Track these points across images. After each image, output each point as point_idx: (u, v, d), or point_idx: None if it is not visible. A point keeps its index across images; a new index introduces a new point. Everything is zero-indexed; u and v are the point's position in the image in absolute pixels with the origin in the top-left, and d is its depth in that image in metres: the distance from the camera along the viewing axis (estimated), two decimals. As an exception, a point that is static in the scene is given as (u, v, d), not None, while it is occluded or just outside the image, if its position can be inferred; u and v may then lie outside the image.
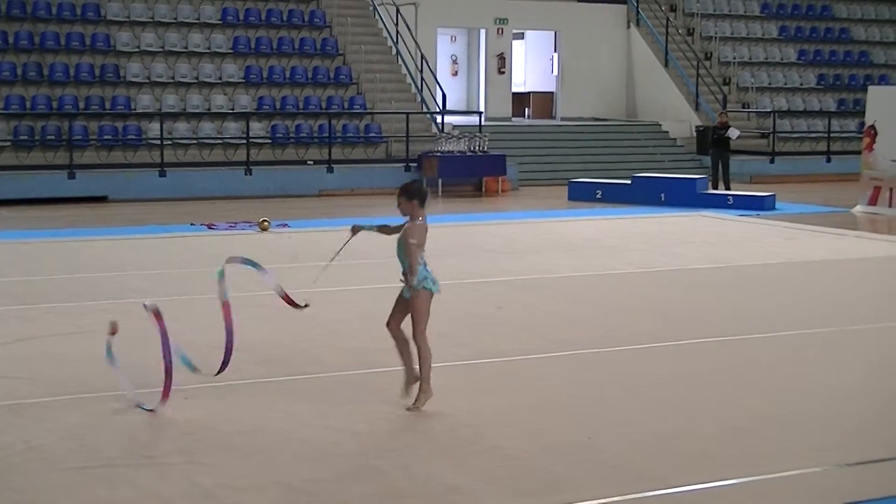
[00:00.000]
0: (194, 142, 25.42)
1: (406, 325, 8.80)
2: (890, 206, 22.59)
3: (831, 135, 32.00)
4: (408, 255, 8.63)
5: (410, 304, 8.69)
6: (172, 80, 26.42)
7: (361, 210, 22.30)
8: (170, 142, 24.91)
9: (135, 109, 25.43)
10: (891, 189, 22.64)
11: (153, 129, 24.93)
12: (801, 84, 34.57)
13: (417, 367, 8.72)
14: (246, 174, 24.81)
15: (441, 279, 14.25)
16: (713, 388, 9.42)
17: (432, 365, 8.72)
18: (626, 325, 11.61)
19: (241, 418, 8.42)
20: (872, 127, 23.25)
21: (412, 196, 8.90)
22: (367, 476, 7.23)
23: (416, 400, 8.68)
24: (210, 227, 19.11)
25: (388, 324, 8.86)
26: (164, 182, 24.05)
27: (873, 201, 22.96)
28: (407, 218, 8.96)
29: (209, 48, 27.39)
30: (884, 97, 24.01)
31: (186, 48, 27.16)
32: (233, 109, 26.23)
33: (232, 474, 7.24)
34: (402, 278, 8.75)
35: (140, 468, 7.34)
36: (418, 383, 8.70)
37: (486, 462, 7.52)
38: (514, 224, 20.24)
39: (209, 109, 26.08)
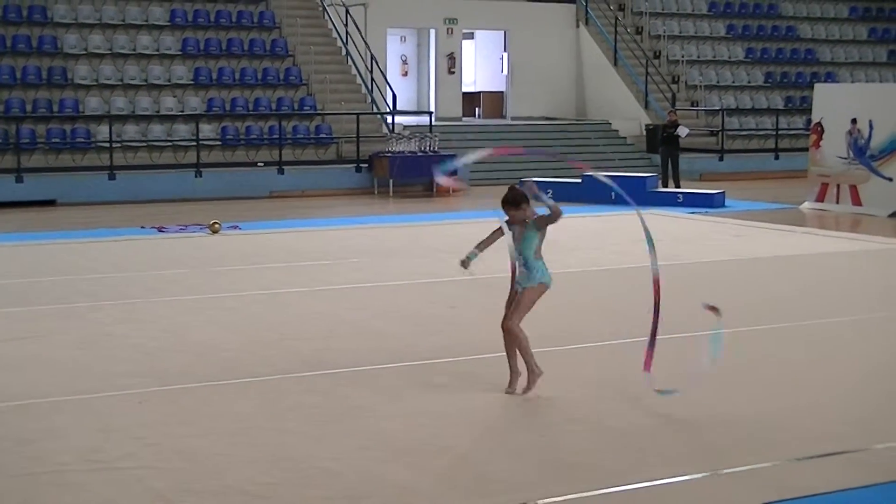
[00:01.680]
0: (144, 144, 25.28)
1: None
2: (837, 202, 22.80)
3: (779, 132, 32.27)
4: (551, 219, 9.04)
5: (523, 294, 9.08)
6: (121, 83, 26.26)
7: (313, 211, 22.27)
8: (119, 144, 24.77)
9: (83, 112, 25.26)
10: (838, 186, 22.86)
11: (102, 131, 24.77)
12: (749, 82, 34.83)
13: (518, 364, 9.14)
14: (196, 176, 24.70)
15: (393, 280, 14.38)
16: (664, 386, 9.48)
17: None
18: (578, 324, 11.66)
19: (194, 421, 8.39)
20: (819, 124, 23.46)
21: (518, 201, 9.20)
22: (322, 478, 7.22)
23: (527, 384, 9.07)
24: (160, 229, 19.02)
25: (503, 324, 9.18)
26: (113, 185, 23.90)
27: (821, 198, 23.17)
28: (504, 221, 9.28)
29: (158, 50, 27.25)
30: (830, 94, 24.23)
31: (135, 50, 27.01)
32: (182, 111, 26.11)
33: (185, 478, 7.21)
34: (519, 280, 9.18)
35: (92, 473, 7.30)
36: (520, 376, 9.13)
37: (443, 463, 7.53)
38: (465, 224, 20.25)
39: (158, 111, 25.95)
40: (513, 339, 9.12)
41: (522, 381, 9.18)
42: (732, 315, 12.22)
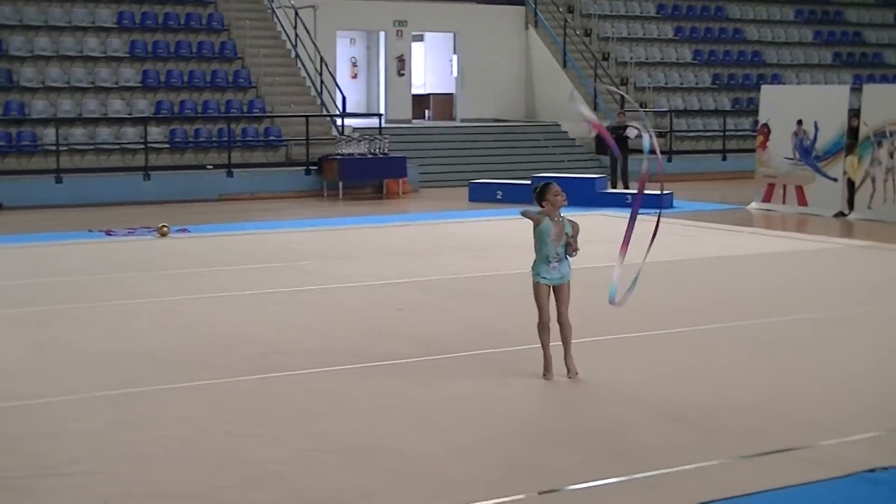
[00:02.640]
0: (91, 147, 25.11)
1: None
2: (783, 202, 22.99)
3: (726, 133, 32.50)
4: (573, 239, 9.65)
5: (561, 289, 9.62)
6: (68, 85, 26.08)
7: (262, 214, 22.21)
8: (66, 148, 24.59)
9: (29, 115, 25.07)
10: (784, 186, 23.06)
11: (49, 134, 24.58)
12: (697, 84, 35.04)
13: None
14: (144, 179, 24.57)
15: (342, 282, 14.37)
16: (619, 386, 9.54)
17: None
18: (527, 325, 11.64)
19: (142, 426, 8.35)
20: (766, 125, 23.64)
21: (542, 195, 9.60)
22: (272, 482, 7.21)
23: (568, 371, 9.66)
24: (108, 233, 18.90)
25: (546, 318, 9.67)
26: (60, 189, 23.73)
27: (768, 198, 23.36)
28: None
29: (105, 52, 27.07)
30: (776, 96, 24.42)
31: (82, 52, 26.82)
32: (130, 114, 25.96)
33: (132, 484, 7.18)
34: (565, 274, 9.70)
35: (38, 479, 7.25)
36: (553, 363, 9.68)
37: (391, 465, 7.54)
38: (414, 226, 20.28)
39: (106, 114, 25.79)
40: (569, 331, 9.67)
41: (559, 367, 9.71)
42: (680, 315, 12.33)
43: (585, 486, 7.15)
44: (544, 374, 9.67)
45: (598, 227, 19.60)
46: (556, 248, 9.55)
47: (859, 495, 7.00)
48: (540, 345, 9.73)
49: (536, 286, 9.61)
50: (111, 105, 26.00)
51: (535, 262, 9.62)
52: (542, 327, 9.66)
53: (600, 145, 30.23)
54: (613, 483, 7.20)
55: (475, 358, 10.43)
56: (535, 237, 9.59)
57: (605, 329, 11.47)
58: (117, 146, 25.31)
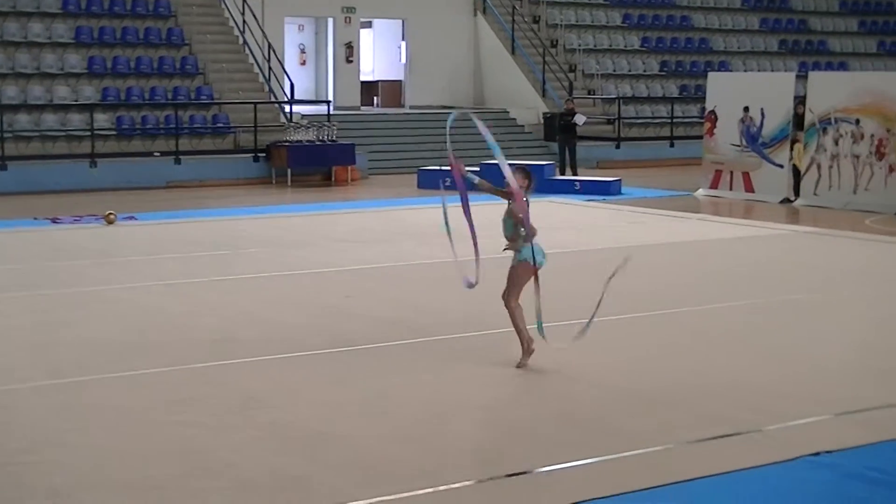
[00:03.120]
0: (37, 134, 24.85)
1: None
2: (730, 189, 23.14)
3: (674, 120, 32.65)
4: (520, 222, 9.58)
5: (513, 269, 9.64)
6: (12, 72, 25.79)
7: (210, 201, 22.10)
8: (10, 135, 24.32)
9: (-27, 102, 24.82)
10: (731, 173, 23.20)
11: (-7, 121, 24.34)
12: (645, 71, 35.17)
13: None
14: (91, 167, 24.37)
15: (291, 269, 14.32)
16: (568, 372, 9.58)
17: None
18: (477, 312, 11.65)
19: (92, 415, 8.30)
20: (713, 112, 23.78)
21: (525, 174, 9.76)
22: (218, 470, 7.19)
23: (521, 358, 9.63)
24: (54, 220, 18.74)
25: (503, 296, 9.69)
26: (5, 176, 23.48)
27: (715, 185, 23.50)
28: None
29: (50, 38, 26.80)
30: (723, 83, 24.57)
31: (26, 38, 26.53)
32: (76, 101, 25.72)
33: (81, 473, 7.14)
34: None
35: (-17, 469, 7.21)
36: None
37: (337, 452, 7.54)
38: (363, 213, 20.26)
39: (52, 101, 25.53)
40: (509, 312, 9.61)
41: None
42: (628, 301, 12.38)
43: (530, 472, 7.17)
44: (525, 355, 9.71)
45: (547, 214, 19.64)
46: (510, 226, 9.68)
47: (804, 478, 7.08)
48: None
49: (524, 266, 9.66)
50: (57, 91, 25.75)
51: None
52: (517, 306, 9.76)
53: (549, 131, 30.30)
54: (560, 469, 7.23)
55: (425, 345, 10.44)
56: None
57: (553, 316, 11.49)
58: (63, 133, 25.07)
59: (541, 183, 22.89)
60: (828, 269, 14.86)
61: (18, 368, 9.60)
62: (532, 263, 9.50)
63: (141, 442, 7.72)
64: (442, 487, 6.91)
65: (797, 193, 22.07)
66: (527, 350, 9.66)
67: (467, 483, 7.00)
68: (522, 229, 9.55)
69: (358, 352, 10.22)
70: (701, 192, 23.60)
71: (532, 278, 9.48)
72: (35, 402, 8.64)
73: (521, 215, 9.53)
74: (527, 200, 9.59)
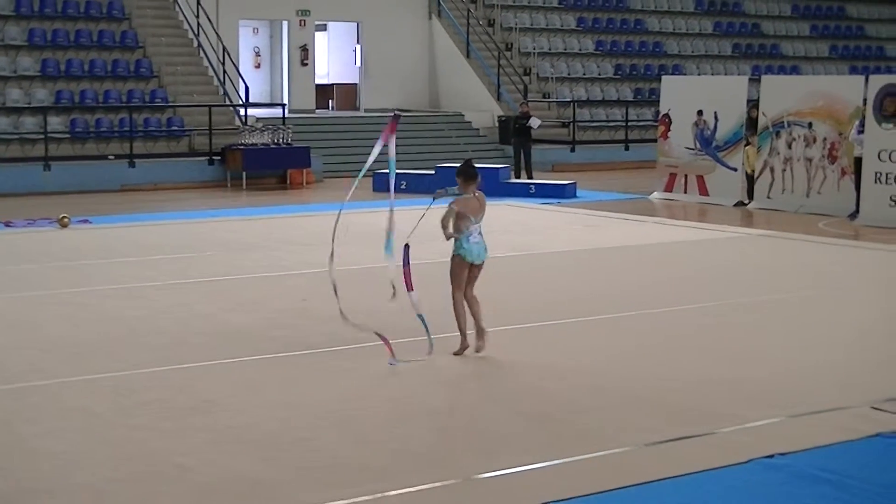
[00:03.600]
0: (-11, 137, 24.71)
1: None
2: (685, 192, 23.27)
3: (629, 124, 32.80)
4: (443, 217, 9.99)
5: (479, 269, 10.19)
6: (-36, 74, 25.63)
7: (165, 204, 22.00)
8: (-37, 137, 24.18)
9: (-76, 104, 24.61)
10: (685, 176, 23.33)
11: (-55, 124, 24.15)
12: (599, 74, 35.31)
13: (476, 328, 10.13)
14: (45, 170, 24.22)
15: (246, 272, 14.28)
16: (525, 376, 9.62)
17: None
18: (433, 313, 11.62)
19: (41, 419, 8.25)
20: (667, 115, 23.91)
21: (458, 175, 10.22)
22: (174, 474, 7.16)
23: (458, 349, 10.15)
24: (7, 224, 18.60)
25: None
26: (-43, 179, 23.33)
27: (669, 188, 23.63)
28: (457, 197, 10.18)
29: (3, 40, 26.61)
30: (676, 87, 24.70)
31: (-22, 41, 26.38)
32: (29, 104, 25.55)
33: (30, 478, 7.09)
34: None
35: (-64, 474, 7.15)
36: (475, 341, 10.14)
37: (295, 455, 7.53)
38: (319, 216, 20.19)
39: (4, 104, 25.36)
40: (467, 306, 10.17)
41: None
42: (583, 305, 12.45)
43: (488, 475, 7.19)
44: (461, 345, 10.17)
45: (502, 217, 19.70)
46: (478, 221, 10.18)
47: (758, 480, 7.13)
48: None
49: (458, 260, 10.15)
50: (9, 94, 25.57)
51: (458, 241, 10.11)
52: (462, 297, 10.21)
53: (504, 134, 30.36)
54: (519, 472, 7.25)
55: (381, 347, 10.43)
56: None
57: (508, 318, 11.54)
58: (16, 136, 24.90)
59: (496, 186, 22.98)
60: (782, 272, 14.97)
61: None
62: (464, 258, 10.05)
63: (92, 446, 7.67)
64: (404, 490, 6.91)
65: (751, 197, 22.22)
66: (462, 344, 10.16)
67: (430, 485, 7.01)
68: (465, 226, 10.04)
69: (315, 355, 10.21)
70: (655, 195, 23.72)
71: (466, 270, 10.08)
72: (-13, 407, 8.58)
73: (451, 206, 10.11)
74: (475, 197, 10.14)
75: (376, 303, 11.08)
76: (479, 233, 10.15)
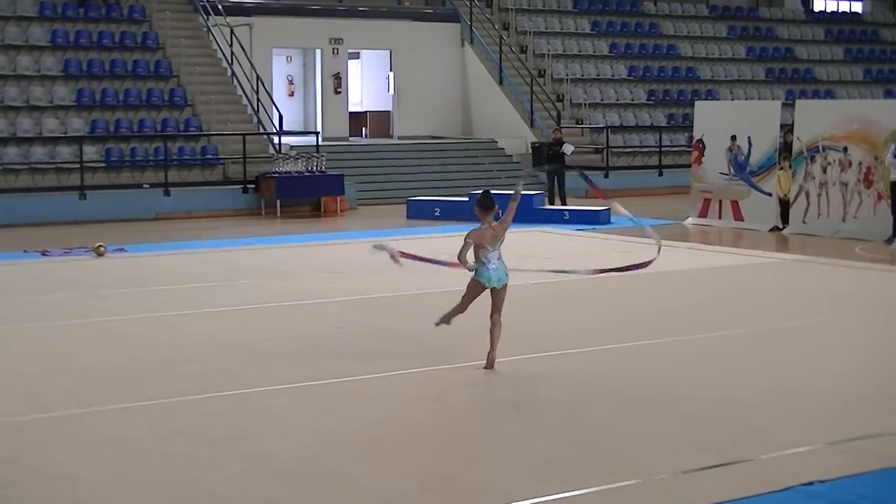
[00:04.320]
0: (25, 167, 24.86)
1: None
2: (719, 217, 23.18)
3: (662, 149, 32.74)
4: (459, 252, 10.46)
5: (499, 293, 10.50)
6: (1, 104, 25.82)
7: (200, 233, 22.08)
8: (-1, 167, 24.36)
9: (-38, 134, 24.82)
10: (720, 201, 23.25)
11: (-19, 154, 24.33)
12: (633, 100, 35.28)
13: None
14: (80, 199, 24.37)
15: (281, 301, 14.30)
16: (558, 401, 9.58)
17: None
18: (470, 343, 11.59)
19: (77, 448, 8.25)
20: (700, 141, 23.84)
21: (476, 205, 10.53)
22: (208, 502, 7.14)
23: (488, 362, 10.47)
24: (44, 253, 18.70)
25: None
26: (-6, 208, 23.49)
27: (703, 213, 23.55)
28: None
29: (39, 71, 26.84)
30: (710, 112, 24.64)
31: (15, 71, 26.58)
32: (65, 133, 25.74)
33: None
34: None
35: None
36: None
37: (328, 483, 7.50)
38: (352, 244, 20.23)
39: (41, 134, 25.56)
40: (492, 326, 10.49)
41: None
42: (615, 331, 12.39)
43: (521, 503, 7.15)
44: (440, 320, 10.93)
45: (536, 243, 19.70)
46: (496, 248, 10.44)
47: (797, 507, 7.06)
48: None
49: (474, 283, 10.55)
50: (45, 124, 25.77)
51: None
52: (455, 313, 10.84)
53: (538, 159, 30.35)
54: (550, 500, 7.20)
55: (416, 375, 10.42)
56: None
57: (541, 344, 11.51)
58: (52, 165, 25.09)
59: (529, 212, 22.98)
60: (818, 297, 14.88)
61: (5, 401, 9.54)
62: (481, 283, 10.45)
63: (129, 474, 7.68)
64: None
65: (785, 221, 22.11)
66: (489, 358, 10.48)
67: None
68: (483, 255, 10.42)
69: (350, 382, 10.19)
70: (690, 220, 23.64)
71: (480, 293, 10.54)
72: (18, 435, 8.59)
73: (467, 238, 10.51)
74: (492, 227, 10.42)
75: (418, 327, 11.08)
76: (499, 258, 10.43)
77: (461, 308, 10.71)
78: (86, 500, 7.20)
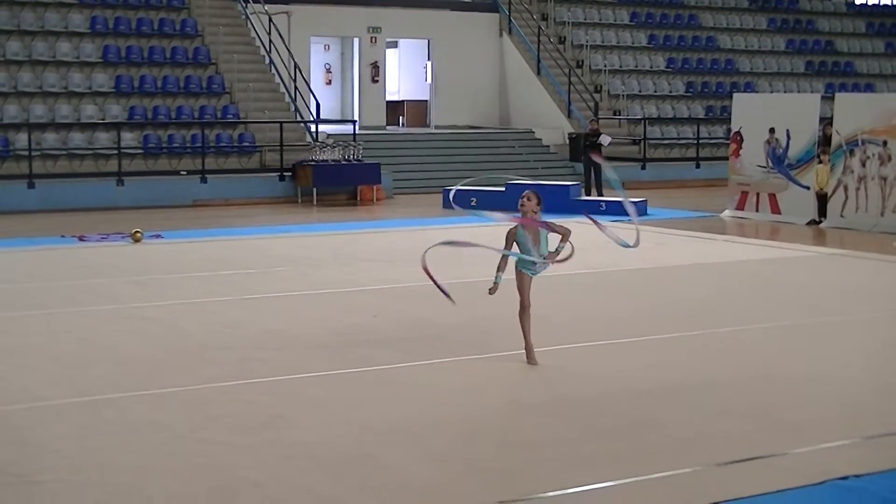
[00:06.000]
0: (64, 153, 25.01)
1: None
2: (756, 210, 23.08)
3: (700, 141, 32.61)
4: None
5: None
6: (40, 90, 25.97)
7: (236, 220, 22.15)
8: (38, 153, 24.49)
9: (1, 120, 24.95)
10: (757, 194, 23.14)
11: (21, 139, 24.48)
12: (671, 91, 35.15)
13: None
14: (118, 185, 24.49)
15: (317, 289, 14.33)
16: (586, 394, 9.56)
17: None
18: (503, 333, 11.59)
19: (114, 433, 8.30)
20: (738, 133, 23.73)
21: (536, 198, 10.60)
22: (244, 490, 7.16)
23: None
24: (81, 239, 18.81)
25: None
26: (33, 194, 23.61)
27: (741, 206, 23.45)
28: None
29: (78, 57, 26.98)
30: (748, 104, 24.50)
31: (54, 57, 26.72)
32: (104, 119, 25.87)
33: (104, 492, 7.12)
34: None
35: (7, 488, 7.18)
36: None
37: (364, 472, 7.52)
38: (389, 232, 20.27)
39: (79, 120, 25.69)
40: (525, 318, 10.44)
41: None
42: (653, 322, 12.36)
43: (555, 493, 7.15)
44: (528, 360, 10.36)
45: (573, 235, 19.58)
46: (536, 251, 10.21)
47: (832, 502, 7.02)
48: (522, 333, 10.39)
49: (519, 275, 10.34)
50: (84, 110, 25.90)
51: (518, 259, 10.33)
52: (523, 311, 10.34)
53: (575, 151, 30.29)
54: (587, 490, 7.20)
55: (451, 364, 10.42)
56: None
57: (576, 336, 11.49)
58: (90, 151, 25.22)
59: (566, 203, 22.91)
60: (855, 291, 14.78)
61: (42, 386, 9.61)
62: (521, 270, 10.36)
63: (164, 461, 7.71)
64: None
65: (822, 215, 21.98)
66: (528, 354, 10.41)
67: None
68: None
69: (386, 371, 10.21)
70: (727, 213, 23.55)
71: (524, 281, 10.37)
72: (56, 420, 8.64)
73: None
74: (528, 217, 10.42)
75: (455, 317, 11.06)
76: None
77: (525, 306, 10.38)
78: (122, 485, 7.24)
